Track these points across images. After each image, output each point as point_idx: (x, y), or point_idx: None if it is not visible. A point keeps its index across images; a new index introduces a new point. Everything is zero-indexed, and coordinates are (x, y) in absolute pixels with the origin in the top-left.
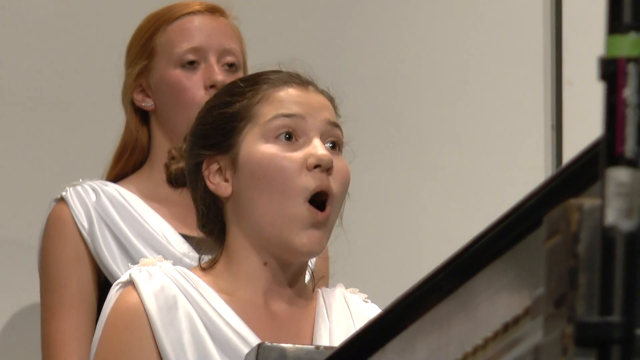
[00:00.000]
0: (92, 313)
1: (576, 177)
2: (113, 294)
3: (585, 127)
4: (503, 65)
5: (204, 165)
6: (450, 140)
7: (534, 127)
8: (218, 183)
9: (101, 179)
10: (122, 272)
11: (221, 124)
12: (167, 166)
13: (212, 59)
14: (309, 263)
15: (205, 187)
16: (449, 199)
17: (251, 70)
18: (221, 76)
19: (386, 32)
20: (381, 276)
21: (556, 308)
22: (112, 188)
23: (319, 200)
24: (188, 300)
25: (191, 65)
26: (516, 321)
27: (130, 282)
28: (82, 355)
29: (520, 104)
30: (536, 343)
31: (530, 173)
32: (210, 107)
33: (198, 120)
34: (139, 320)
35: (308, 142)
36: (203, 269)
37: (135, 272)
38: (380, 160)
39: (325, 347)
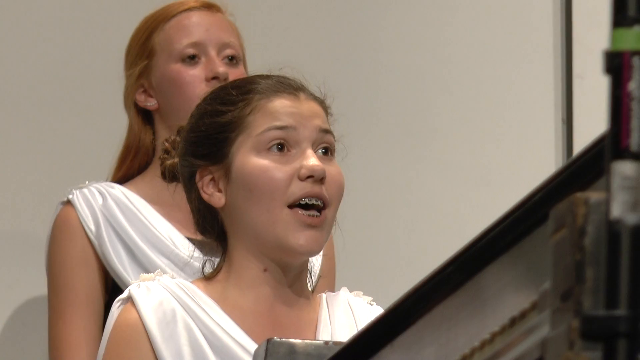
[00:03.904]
0: (100, 315)
1: (582, 171)
2: (114, 310)
3: (595, 121)
4: (513, 59)
5: (197, 176)
6: (460, 134)
7: (544, 121)
8: (212, 193)
9: (107, 180)
10: (129, 275)
11: (213, 133)
12: (161, 160)
13: (212, 53)
14: (308, 266)
15: (200, 196)
16: (459, 193)
17: (251, 71)
18: (222, 68)
19: (395, 25)
20: (388, 274)
21: (563, 302)
22: (119, 190)
23: (314, 209)
24: (187, 312)
25: (192, 59)
26: (523, 315)
27: (130, 299)
28: (89, 356)
29: (531, 97)
30: (543, 337)
31: (541, 167)
32: (202, 114)
33: (190, 126)
34: (138, 336)
35: (300, 152)
36: (206, 279)
37: (134, 288)
38: (388, 155)
39: (335, 343)
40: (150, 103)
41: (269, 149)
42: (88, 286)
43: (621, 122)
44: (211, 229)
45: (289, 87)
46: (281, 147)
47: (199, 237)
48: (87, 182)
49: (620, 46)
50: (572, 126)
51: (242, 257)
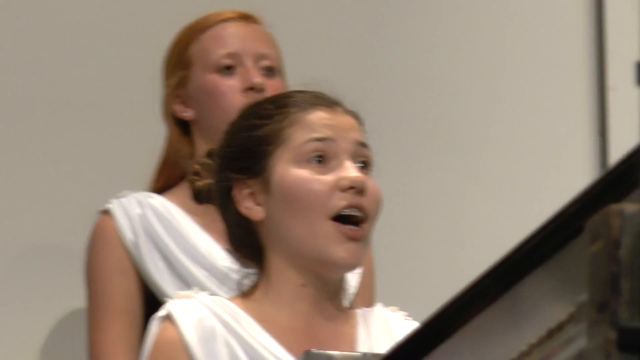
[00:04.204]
0: (138, 324)
1: (617, 183)
2: (152, 328)
3: (630, 132)
4: (547, 72)
5: (234, 190)
6: (494, 146)
7: (579, 134)
8: (251, 207)
9: (146, 190)
10: (168, 285)
11: (250, 147)
12: (192, 182)
13: (249, 63)
14: (346, 282)
15: (237, 211)
16: (495, 206)
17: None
18: (259, 78)
19: (426, 37)
20: (425, 287)
21: (599, 313)
22: (157, 200)
23: (353, 221)
24: (226, 329)
25: (228, 70)
26: (560, 327)
27: (168, 317)
28: None
29: (565, 110)
30: (580, 349)
31: (577, 179)
32: (238, 129)
33: (225, 142)
34: (178, 353)
35: (339, 164)
36: (243, 295)
37: (172, 305)
38: (424, 168)
39: (373, 354)
40: (187, 113)
41: (308, 160)
42: (126, 295)
43: None
44: (248, 244)
45: (325, 100)
46: (320, 159)
47: None
48: (126, 192)
49: None
50: (607, 138)
51: (280, 273)
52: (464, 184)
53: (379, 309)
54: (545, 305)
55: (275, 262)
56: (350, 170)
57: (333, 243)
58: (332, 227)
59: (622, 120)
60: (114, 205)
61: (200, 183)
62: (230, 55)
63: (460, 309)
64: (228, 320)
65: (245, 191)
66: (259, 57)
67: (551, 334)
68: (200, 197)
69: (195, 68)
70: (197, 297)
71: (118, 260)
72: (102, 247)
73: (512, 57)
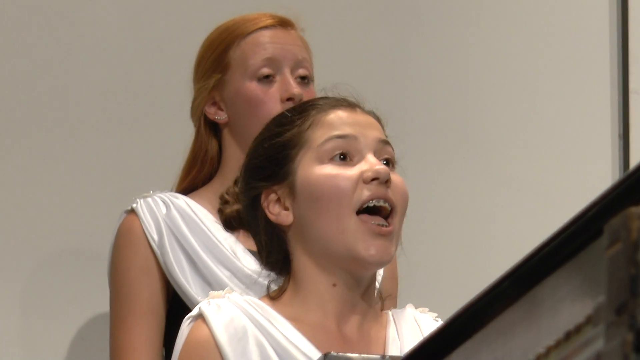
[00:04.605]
0: (161, 324)
1: (637, 186)
2: (184, 328)
3: None
4: (570, 75)
5: (262, 198)
6: (517, 149)
7: (601, 136)
8: (278, 213)
9: (171, 190)
10: (191, 286)
11: (274, 154)
12: (221, 211)
13: (287, 72)
14: (376, 283)
15: (266, 218)
16: (517, 208)
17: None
18: (297, 89)
19: (454, 43)
20: (450, 288)
21: (617, 316)
22: (182, 201)
23: (381, 214)
24: (258, 328)
25: (267, 79)
26: (578, 329)
27: (200, 316)
28: None
29: (588, 112)
30: (598, 351)
31: (598, 181)
32: (261, 141)
33: (249, 156)
34: (210, 353)
35: (362, 159)
36: (272, 298)
37: (204, 305)
38: (446, 171)
39: (391, 357)
40: (220, 117)
41: (332, 159)
42: (150, 295)
43: None
44: (279, 248)
45: (345, 102)
46: (343, 156)
47: None
48: (151, 192)
49: None
50: (628, 141)
51: (310, 274)
52: (486, 186)
53: (409, 310)
54: (564, 308)
55: (304, 266)
56: (374, 163)
57: (361, 240)
58: (359, 223)
59: None
60: (139, 205)
61: (228, 210)
62: (269, 61)
63: (480, 310)
64: (259, 320)
65: (272, 197)
66: (296, 64)
67: (569, 336)
68: (229, 224)
69: (233, 73)
70: (230, 297)
71: (143, 259)
72: (127, 246)
73: (537, 62)
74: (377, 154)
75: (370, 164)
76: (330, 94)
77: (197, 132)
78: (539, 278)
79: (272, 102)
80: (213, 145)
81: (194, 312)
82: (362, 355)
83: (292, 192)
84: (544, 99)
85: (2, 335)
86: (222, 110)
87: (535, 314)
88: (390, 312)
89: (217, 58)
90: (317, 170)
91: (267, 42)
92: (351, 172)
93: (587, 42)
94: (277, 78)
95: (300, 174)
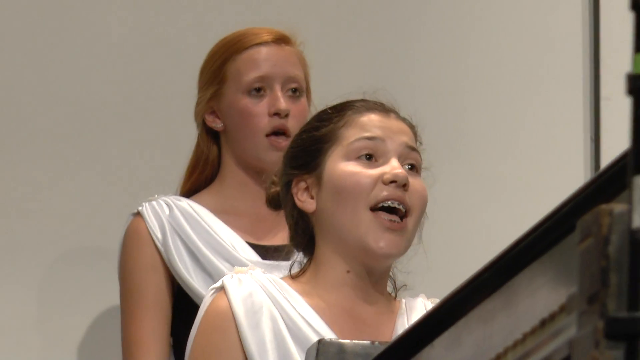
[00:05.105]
0: (167, 316)
1: (607, 185)
2: (207, 298)
3: (621, 139)
4: (546, 83)
5: (293, 184)
6: (497, 150)
7: (574, 139)
8: (305, 200)
9: (175, 194)
10: (194, 279)
11: (309, 146)
12: (267, 190)
13: (277, 88)
14: (391, 274)
15: (294, 203)
16: (497, 205)
17: (333, 97)
18: (284, 105)
19: (435, 52)
20: (431, 281)
21: (589, 305)
22: (185, 203)
23: (396, 214)
24: (274, 304)
25: (257, 92)
26: (552, 317)
27: (222, 288)
28: (158, 354)
29: (562, 117)
30: (570, 337)
31: (571, 181)
32: (302, 132)
33: (291, 144)
34: (227, 322)
35: (386, 162)
36: (292, 277)
37: (227, 279)
38: (435, 172)
39: (380, 342)
40: (218, 125)
41: (358, 157)
42: (156, 290)
43: None
44: (303, 232)
45: (381, 106)
46: (369, 156)
47: (259, 242)
48: (156, 195)
49: None
50: (599, 144)
51: (328, 259)
52: (470, 185)
53: (420, 299)
54: (539, 297)
55: (324, 250)
56: (395, 166)
57: (372, 233)
58: (371, 216)
59: (614, 127)
60: (145, 208)
61: (272, 190)
62: (261, 79)
63: (462, 300)
64: (276, 296)
65: (301, 185)
66: (287, 80)
67: (544, 323)
68: (272, 203)
69: (228, 85)
70: (252, 273)
71: (150, 257)
72: (134, 245)
73: (513, 69)
74: (401, 158)
75: (392, 167)
76: (369, 98)
77: (198, 138)
78: (516, 270)
79: (260, 115)
80: (213, 150)
81: (217, 284)
82: (354, 341)
83: (318, 182)
84: (522, 105)
85: (22, 324)
86: (219, 118)
87: (513, 302)
88: (404, 301)
89: (215, 70)
90: (342, 166)
91: (261, 59)
92: (373, 171)
93: (561, 52)
94: (267, 93)
95: (328, 167)
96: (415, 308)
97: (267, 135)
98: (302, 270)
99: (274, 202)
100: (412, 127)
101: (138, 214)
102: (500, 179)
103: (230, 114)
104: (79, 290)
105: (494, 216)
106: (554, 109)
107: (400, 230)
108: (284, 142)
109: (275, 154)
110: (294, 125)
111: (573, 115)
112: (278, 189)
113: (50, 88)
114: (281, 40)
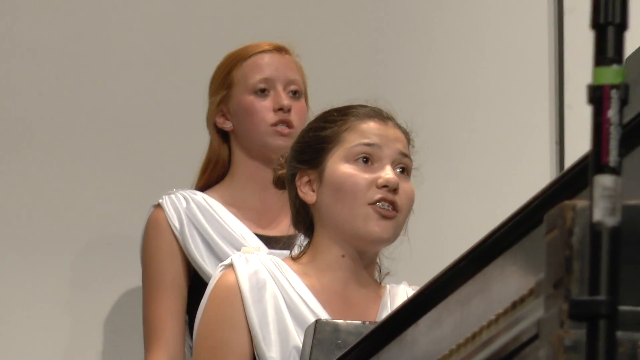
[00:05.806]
0: (184, 297)
1: (570, 183)
2: (217, 273)
3: (583, 143)
4: (515, 93)
5: (297, 176)
6: (471, 152)
7: (541, 143)
8: (306, 192)
9: (191, 188)
10: (207, 264)
11: (314, 144)
12: (275, 170)
13: (280, 87)
14: (377, 260)
15: (297, 193)
16: (472, 201)
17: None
18: (287, 101)
19: (412, 56)
20: (413, 270)
21: (555, 289)
22: (200, 196)
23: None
24: (275, 283)
25: (262, 92)
26: (522, 300)
27: (231, 265)
28: (175, 331)
29: (530, 123)
30: (538, 318)
31: (538, 180)
32: (309, 129)
33: (298, 137)
34: (234, 296)
35: (381, 167)
36: (293, 259)
37: (236, 257)
38: (417, 171)
39: (370, 322)
40: (227, 125)
41: (357, 160)
42: (174, 274)
43: (602, 143)
44: (303, 221)
45: (380, 114)
46: (366, 160)
47: (264, 233)
48: (174, 190)
49: (601, 81)
50: (563, 147)
51: (325, 245)
52: (447, 184)
53: (403, 286)
54: (511, 283)
55: (322, 236)
56: (388, 172)
57: (369, 221)
58: (367, 209)
59: (576, 132)
60: (165, 200)
61: (280, 172)
62: (265, 80)
63: (441, 286)
64: (278, 276)
65: (305, 179)
66: (288, 83)
67: (515, 305)
68: (278, 184)
69: (236, 89)
70: (258, 254)
71: (168, 245)
72: (155, 234)
73: (487, 81)
74: (394, 163)
75: (385, 173)
76: (370, 105)
77: (211, 139)
78: (490, 258)
79: (265, 111)
80: (224, 150)
81: (226, 261)
82: (347, 321)
83: (320, 178)
84: (495, 113)
85: (54, 304)
86: (228, 120)
87: (487, 287)
88: (388, 287)
89: (223, 77)
90: (342, 167)
91: (264, 64)
92: (368, 175)
93: (530, 65)
94: (271, 92)
95: (329, 166)
96: (398, 294)
97: (272, 125)
98: (302, 252)
99: (280, 183)
100: (406, 133)
101: (158, 206)
102: (476, 177)
103: (238, 113)
104: (105, 275)
105: (470, 210)
106: (523, 116)
107: (393, 217)
108: (287, 130)
109: (280, 139)
110: (295, 120)
111: (540, 121)
112: (284, 171)
113: (80, 90)
114: (281, 49)
